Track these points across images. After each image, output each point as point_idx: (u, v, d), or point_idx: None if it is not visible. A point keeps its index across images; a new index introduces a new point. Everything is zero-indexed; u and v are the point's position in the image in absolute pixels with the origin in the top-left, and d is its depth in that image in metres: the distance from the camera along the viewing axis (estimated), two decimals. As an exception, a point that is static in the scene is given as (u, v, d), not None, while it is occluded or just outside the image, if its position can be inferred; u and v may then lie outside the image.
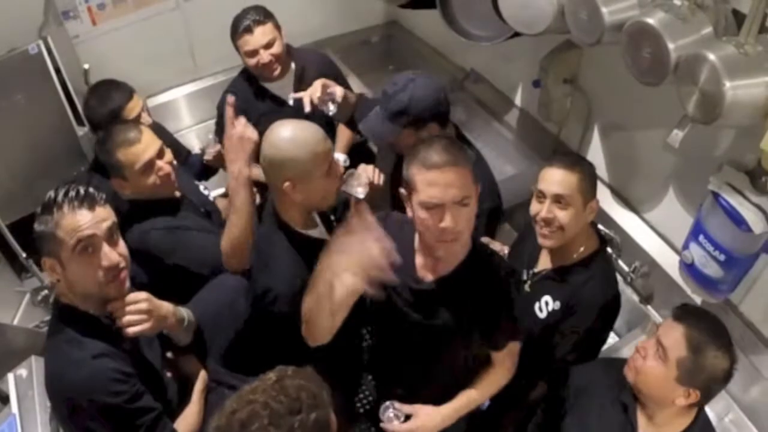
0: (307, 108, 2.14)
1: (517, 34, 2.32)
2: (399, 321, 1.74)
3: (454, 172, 1.50)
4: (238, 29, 2.50)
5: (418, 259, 1.70)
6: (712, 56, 1.55)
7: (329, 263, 1.46)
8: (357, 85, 3.04)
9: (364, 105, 2.28)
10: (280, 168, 1.76)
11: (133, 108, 2.41)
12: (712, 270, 2.04)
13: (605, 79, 2.52)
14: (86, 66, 2.74)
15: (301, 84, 2.68)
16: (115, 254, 1.50)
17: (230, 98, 1.97)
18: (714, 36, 1.68)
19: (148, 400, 1.53)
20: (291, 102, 2.27)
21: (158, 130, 2.65)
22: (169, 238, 2.10)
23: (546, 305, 1.96)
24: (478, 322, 1.69)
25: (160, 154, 2.09)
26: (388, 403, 1.78)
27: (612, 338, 2.68)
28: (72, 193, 1.46)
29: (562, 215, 1.84)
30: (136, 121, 2.38)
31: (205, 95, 3.41)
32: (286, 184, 1.76)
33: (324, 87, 2.19)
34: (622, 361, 1.81)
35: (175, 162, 2.19)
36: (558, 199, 1.83)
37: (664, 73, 1.69)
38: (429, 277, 1.68)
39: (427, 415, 1.78)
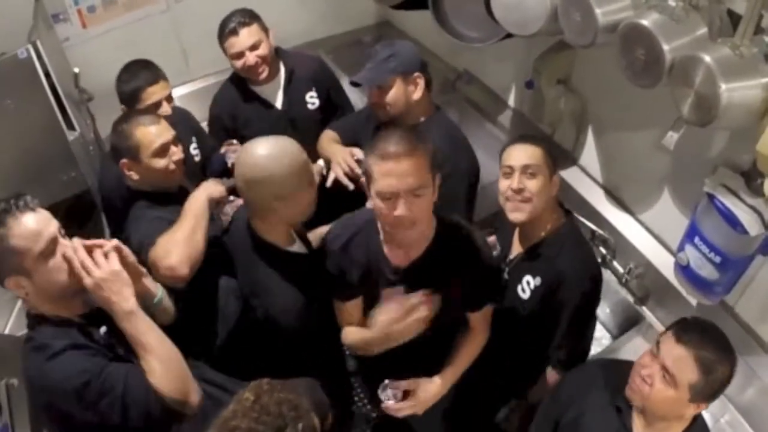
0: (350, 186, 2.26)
1: (509, 36, 2.31)
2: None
3: (409, 163, 1.54)
4: (224, 32, 2.49)
5: (387, 249, 1.77)
6: (707, 58, 1.54)
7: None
8: (349, 86, 3.02)
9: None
10: (264, 187, 1.74)
11: (154, 92, 2.39)
12: (708, 272, 2.03)
13: (599, 80, 2.51)
14: (76, 70, 2.71)
15: (290, 87, 2.67)
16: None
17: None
18: (708, 37, 1.67)
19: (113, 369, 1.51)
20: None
21: (185, 118, 2.63)
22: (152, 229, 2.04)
23: (528, 285, 1.97)
24: (460, 291, 1.78)
25: (174, 142, 2.10)
26: (386, 382, 1.82)
27: (607, 339, 2.69)
28: (7, 205, 1.46)
29: (532, 184, 1.86)
30: (155, 107, 2.38)
31: (198, 97, 3.35)
32: (276, 202, 1.76)
33: (351, 155, 2.31)
34: (616, 363, 1.84)
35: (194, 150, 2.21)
36: (526, 170, 1.87)
37: (659, 75, 1.68)
38: (402, 263, 1.76)
39: (425, 388, 1.84)
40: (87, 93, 2.85)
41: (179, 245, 1.83)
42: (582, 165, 2.76)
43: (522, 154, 1.89)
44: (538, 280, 1.96)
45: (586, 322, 2.06)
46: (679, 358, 1.50)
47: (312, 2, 3.57)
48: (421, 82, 2.17)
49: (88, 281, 1.47)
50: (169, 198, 2.10)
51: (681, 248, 2.12)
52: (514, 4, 2.05)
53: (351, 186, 2.24)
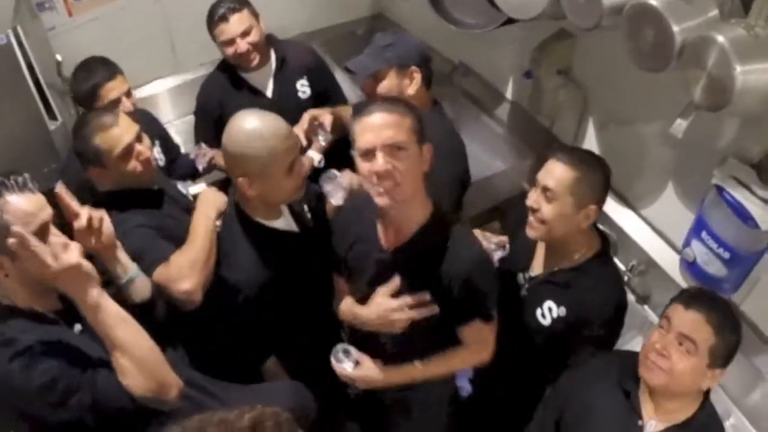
0: (304, 142, 2.22)
1: (508, 22, 2.23)
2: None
3: (386, 117, 1.52)
4: (213, 18, 2.41)
5: (380, 229, 1.71)
6: (721, 38, 1.46)
7: None
8: (342, 78, 2.93)
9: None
10: (236, 161, 1.70)
11: (112, 88, 2.28)
12: (715, 268, 1.95)
13: (601, 70, 2.43)
14: (59, 57, 2.61)
15: (281, 75, 2.58)
16: (63, 237, 1.44)
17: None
18: (720, 18, 1.59)
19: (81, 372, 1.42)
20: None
21: (149, 120, 2.53)
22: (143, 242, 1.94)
23: (549, 311, 1.86)
24: (436, 293, 1.67)
25: (138, 139, 1.97)
26: (345, 346, 1.81)
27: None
28: (6, 180, 1.39)
29: (546, 209, 1.76)
30: (115, 103, 2.26)
31: (187, 89, 3.26)
32: (240, 179, 1.70)
33: (311, 119, 2.30)
34: (617, 353, 1.83)
35: (159, 155, 2.05)
36: (545, 191, 1.76)
37: (668, 57, 1.60)
38: (390, 245, 1.69)
39: (370, 368, 1.80)
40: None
41: (196, 270, 1.75)
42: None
43: (550, 172, 1.77)
44: (563, 310, 1.85)
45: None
46: (694, 322, 1.50)
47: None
48: (417, 77, 2.05)
49: (44, 272, 1.36)
50: (147, 197, 2.01)
51: (687, 244, 2.04)
52: (514, -14, 1.96)
53: (304, 142, 2.21)
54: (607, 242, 1.91)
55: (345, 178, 2.00)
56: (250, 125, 1.69)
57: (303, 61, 2.63)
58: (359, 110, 1.58)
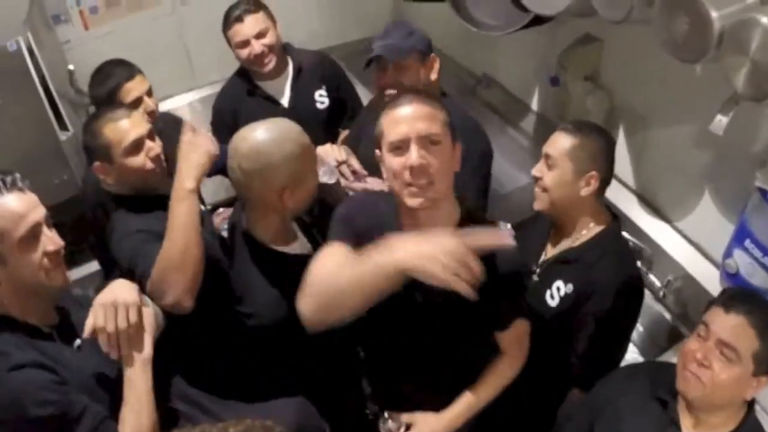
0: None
1: (531, 24, 2.13)
2: (393, 311, 1.51)
3: (421, 108, 1.42)
4: (229, 20, 2.36)
5: (403, 231, 1.51)
6: (765, 20, 1.33)
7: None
8: (363, 93, 2.87)
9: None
10: (270, 175, 1.56)
11: (132, 89, 2.19)
12: (761, 279, 1.80)
13: (629, 74, 2.31)
14: (71, 67, 2.58)
15: (298, 83, 2.51)
16: (57, 237, 1.39)
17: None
18: (761, 2, 1.46)
19: (86, 406, 1.37)
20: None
21: (173, 123, 2.45)
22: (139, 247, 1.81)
23: (558, 291, 1.80)
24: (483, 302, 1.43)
25: (150, 137, 1.90)
26: (386, 414, 1.66)
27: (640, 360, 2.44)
28: None
29: (547, 176, 1.79)
30: (137, 104, 2.18)
31: (203, 104, 3.24)
32: (285, 192, 1.57)
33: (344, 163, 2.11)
34: (652, 363, 1.76)
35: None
36: (547, 159, 1.80)
37: (706, 46, 1.48)
38: None
39: (427, 423, 1.65)
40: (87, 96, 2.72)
41: (174, 279, 1.56)
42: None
43: (551, 142, 1.81)
44: (570, 287, 1.78)
45: (614, 339, 1.85)
46: (736, 327, 1.37)
47: (324, 9, 3.47)
48: (436, 65, 2.05)
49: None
50: (153, 202, 1.91)
51: (728, 254, 1.89)
52: (539, -21, 1.87)
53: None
54: (617, 219, 1.86)
55: (326, 155, 1.97)
56: (267, 134, 1.58)
57: (320, 69, 2.57)
58: (389, 106, 1.46)
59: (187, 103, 3.33)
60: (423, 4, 2.86)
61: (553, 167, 1.77)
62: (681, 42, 1.55)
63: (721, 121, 1.57)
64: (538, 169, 1.82)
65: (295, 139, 1.61)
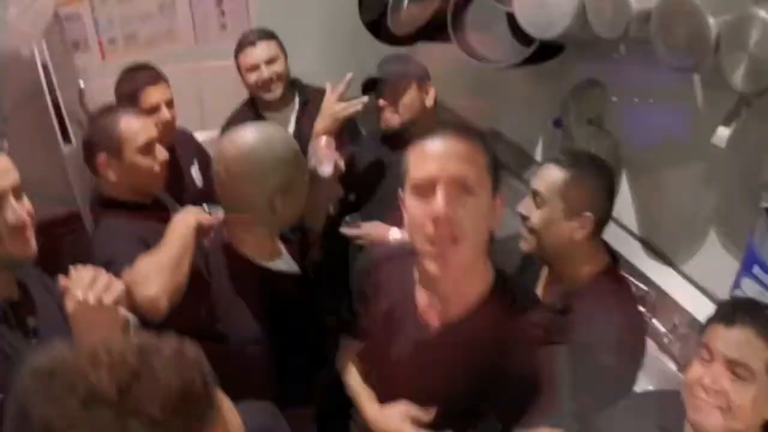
0: None
1: (531, 60, 2.16)
2: (400, 382, 1.39)
3: (458, 145, 1.19)
4: (242, 44, 2.43)
5: (421, 298, 1.35)
6: (762, 12, 1.34)
7: None
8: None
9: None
10: (261, 179, 1.52)
11: (153, 93, 2.24)
12: (771, 307, 1.69)
13: (633, 118, 2.31)
14: (81, 84, 2.63)
15: (303, 117, 2.55)
16: (23, 211, 1.32)
17: None
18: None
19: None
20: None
21: (187, 139, 2.51)
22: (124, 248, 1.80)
23: None
24: (495, 387, 1.28)
25: (160, 141, 1.92)
26: None
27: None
28: None
29: (534, 215, 1.63)
30: (154, 109, 2.22)
31: (211, 146, 3.26)
32: (276, 198, 1.53)
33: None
34: (653, 392, 1.69)
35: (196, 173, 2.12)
36: (535, 196, 1.62)
37: (705, 50, 1.47)
38: (434, 322, 1.33)
39: None
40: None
41: (161, 274, 1.56)
42: (613, 215, 2.48)
43: (539, 177, 1.68)
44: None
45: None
46: (742, 341, 1.27)
47: (331, 54, 3.49)
48: (432, 92, 2.10)
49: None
50: (144, 210, 1.89)
51: (737, 284, 1.80)
52: (539, 3, 1.90)
53: None
54: (616, 260, 1.72)
55: (321, 145, 1.98)
56: (254, 137, 1.56)
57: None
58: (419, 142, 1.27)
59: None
60: (432, 55, 2.94)
61: (542, 206, 1.63)
62: (680, 52, 1.53)
63: (723, 132, 1.54)
64: (525, 207, 1.67)
65: (286, 141, 1.59)
